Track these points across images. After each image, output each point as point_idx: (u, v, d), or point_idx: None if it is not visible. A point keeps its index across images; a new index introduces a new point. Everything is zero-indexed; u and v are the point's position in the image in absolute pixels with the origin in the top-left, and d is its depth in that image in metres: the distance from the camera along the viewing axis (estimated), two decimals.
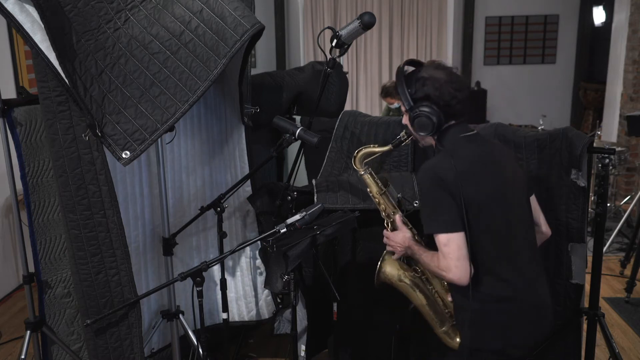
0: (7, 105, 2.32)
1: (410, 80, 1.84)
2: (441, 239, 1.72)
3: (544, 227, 2.02)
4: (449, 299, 2.02)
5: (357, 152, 2.14)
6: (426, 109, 1.79)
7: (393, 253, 2.10)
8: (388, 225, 2.10)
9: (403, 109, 1.91)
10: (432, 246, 1.88)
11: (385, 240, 2.05)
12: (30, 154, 2.39)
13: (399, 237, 2.00)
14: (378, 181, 2.15)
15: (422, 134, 1.84)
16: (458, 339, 2.06)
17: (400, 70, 1.87)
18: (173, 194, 2.67)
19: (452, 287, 1.83)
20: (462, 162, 1.75)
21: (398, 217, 2.05)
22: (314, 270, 2.80)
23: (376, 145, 2.15)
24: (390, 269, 2.12)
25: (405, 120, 1.93)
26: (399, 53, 7.42)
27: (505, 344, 1.82)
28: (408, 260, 2.11)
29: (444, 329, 2.05)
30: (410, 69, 1.90)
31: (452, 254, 1.70)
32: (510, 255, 1.81)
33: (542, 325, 1.87)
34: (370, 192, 2.15)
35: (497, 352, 1.83)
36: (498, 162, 1.86)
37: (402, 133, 2.02)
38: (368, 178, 2.15)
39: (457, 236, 1.70)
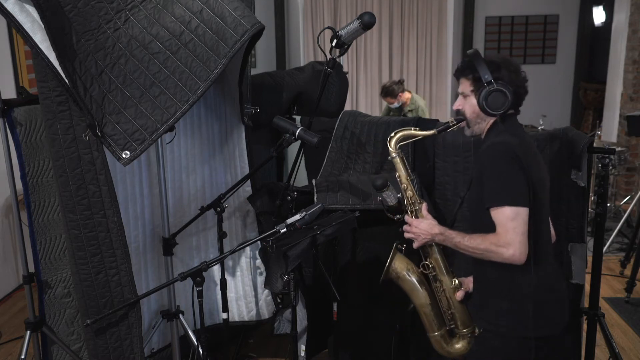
0: (7, 105, 2.32)
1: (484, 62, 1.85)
2: (508, 212, 1.70)
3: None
4: (458, 297, 2.00)
5: (395, 133, 2.06)
6: (503, 87, 1.81)
7: (401, 249, 2.09)
8: (412, 213, 2.04)
9: (469, 89, 1.89)
10: None
11: (406, 227, 2.00)
12: (30, 154, 2.39)
13: (424, 224, 1.95)
14: (408, 167, 2.09)
15: (495, 112, 1.83)
16: (455, 345, 2.05)
17: (474, 51, 1.88)
18: (173, 194, 2.67)
19: (500, 273, 1.80)
20: (526, 145, 1.80)
21: (424, 206, 2.03)
22: (314, 270, 2.80)
23: (418, 129, 2.08)
24: (399, 263, 2.10)
25: (460, 104, 1.92)
26: (399, 53, 7.42)
27: (540, 330, 1.83)
28: (414, 257, 2.10)
29: (440, 332, 2.04)
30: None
31: (518, 228, 1.69)
32: (546, 242, 1.86)
33: (566, 315, 1.90)
34: (399, 177, 2.08)
35: (529, 339, 1.83)
36: (540, 157, 1.92)
37: (451, 119, 1.99)
38: (399, 162, 2.07)
39: (524, 211, 1.70)
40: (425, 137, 2.11)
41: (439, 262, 2.04)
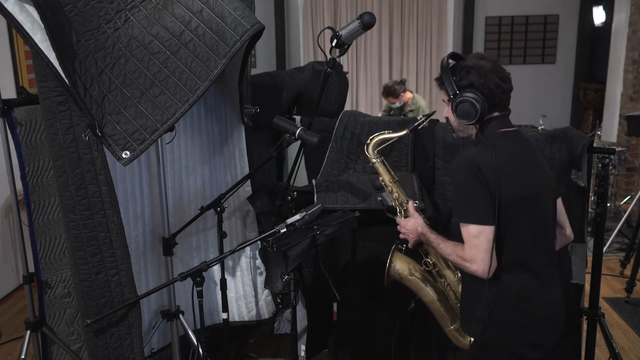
0: (7, 105, 2.32)
1: (455, 70, 1.82)
2: (472, 230, 1.71)
3: (568, 230, 2.01)
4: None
5: (371, 140, 2.12)
6: (470, 95, 1.77)
7: (401, 249, 2.10)
8: (401, 214, 2.09)
9: (445, 98, 1.88)
10: (445, 236, 1.89)
11: (398, 228, 2.05)
12: (30, 154, 2.39)
13: (410, 223, 2.00)
14: (390, 169, 2.14)
15: (465, 121, 1.80)
16: (471, 338, 2.05)
17: (444, 60, 1.85)
18: (173, 194, 2.67)
19: (473, 281, 1.80)
20: (502, 155, 1.74)
21: (411, 204, 2.05)
22: (314, 270, 2.80)
23: (390, 131, 2.12)
24: (400, 264, 2.12)
25: (446, 112, 1.91)
26: (399, 53, 7.42)
27: (523, 342, 1.82)
28: (416, 255, 2.10)
29: (454, 326, 2.05)
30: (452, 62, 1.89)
31: (480, 246, 1.70)
32: (534, 254, 1.82)
33: (557, 324, 1.88)
34: (383, 180, 2.14)
35: (513, 350, 1.82)
36: (535, 161, 1.86)
37: (419, 116, 2.00)
38: (380, 166, 2.14)
39: (488, 229, 1.70)
40: (423, 137, 2.13)
41: (439, 258, 2.05)
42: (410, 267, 2.10)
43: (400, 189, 2.13)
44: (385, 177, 2.14)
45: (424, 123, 2.01)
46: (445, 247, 1.85)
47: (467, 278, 1.85)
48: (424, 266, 2.08)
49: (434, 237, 1.91)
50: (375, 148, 2.13)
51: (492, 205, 1.69)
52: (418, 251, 2.09)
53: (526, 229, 1.78)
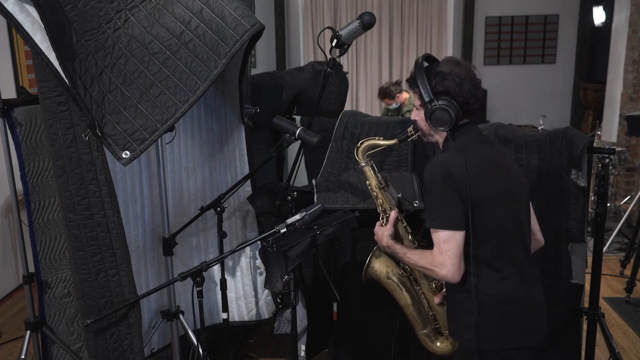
0: (7, 105, 2.32)
1: (430, 74, 1.80)
2: (442, 235, 1.71)
3: (539, 235, 2.00)
4: (437, 300, 2.02)
5: (361, 143, 2.12)
6: (446, 104, 1.76)
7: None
8: (383, 220, 2.09)
9: (417, 102, 1.86)
10: (429, 246, 1.87)
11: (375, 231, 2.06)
12: (30, 154, 2.39)
13: (379, 233, 2.01)
14: (378, 175, 2.14)
15: (439, 128, 1.80)
16: (439, 343, 2.06)
17: (419, 62, 1.83)
18: (173, 194, 2.67)
19: (454, 287, 1.80)
20: (473, 159, 1.74)
21: (392, 214, 2.05)
22: (314, 270, 2.80)
23: (381, 138, 2.13)
24: (379, 266, 2.13)
25: (415, 115, 1.90)
26: (399, 53, 7.42)
27: (510, 345, 1.80)
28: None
29: (425, 331, 2.06)
30: (425, 64, 1.87)
31: (450, 251, 1.70)
32: (512, 255, 1.81)
33: (542, 326, 1.87)
34: (370, 185, 2.14)
35: (500, 353, 1.81)
36: (505, 164, 1.86)
37: (410, 128, 1.99)
38: (369, 170, 2.14)
39: (458, 235, 1.70)
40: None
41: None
42: (389, 270, 2.11)
43: (386, 196, 2.12)
44: (372, 182, 2.13)
45: (414, 137, 1.99)
46: (413, 255, 1.85)
47: (451, 285, 1.84)
48: (402, 270, 2.08)
49: (399, 248, 1.93)
50: (365, 152, 2.13)
51: (464, 210, 1.70)
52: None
53: (500, 230, 1.77)
